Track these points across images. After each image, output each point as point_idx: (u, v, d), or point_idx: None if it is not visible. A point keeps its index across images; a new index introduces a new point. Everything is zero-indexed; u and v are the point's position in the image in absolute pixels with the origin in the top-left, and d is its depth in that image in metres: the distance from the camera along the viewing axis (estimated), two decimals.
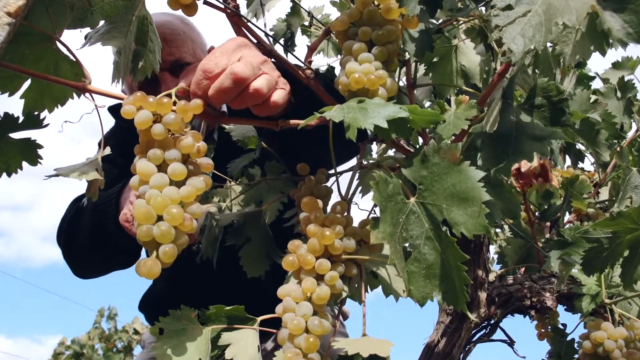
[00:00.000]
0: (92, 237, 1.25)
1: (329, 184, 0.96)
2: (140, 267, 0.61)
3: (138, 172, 0.65)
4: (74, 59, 0.77)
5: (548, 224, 1.30)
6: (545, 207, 1.26)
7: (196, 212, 0.66)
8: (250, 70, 0.72)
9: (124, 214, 1.11)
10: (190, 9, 0.76)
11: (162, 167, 0.66)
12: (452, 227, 0.61)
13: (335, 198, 0.93)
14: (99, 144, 1.41)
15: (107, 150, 0.81)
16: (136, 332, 8.74)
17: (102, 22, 0.80)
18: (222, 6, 0.79)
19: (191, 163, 0.68)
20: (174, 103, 0.69)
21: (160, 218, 0.63)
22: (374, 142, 0.87)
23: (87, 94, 0.74)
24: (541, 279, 1.06)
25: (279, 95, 0.76)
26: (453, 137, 0.80)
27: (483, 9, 0.96)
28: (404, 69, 1.00)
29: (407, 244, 0.65)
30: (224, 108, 1.43)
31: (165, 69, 1.35)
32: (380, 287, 0.84)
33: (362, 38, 0.79)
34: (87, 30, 0.81)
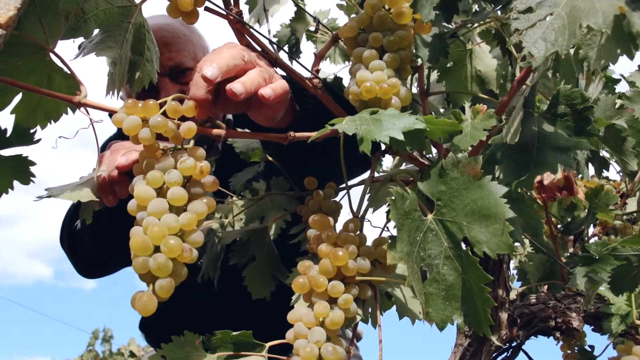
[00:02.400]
0: (92, 228, 1.25)
1: (337, 198, 0.96)
2: (135, 302, 0.60)
3: (136, 196, 0.65)
4: (69, 71, 0.77)
5: (571, 237, 1.30)
6: (569, 219, 1.25)
7: (197, 241, 0.65)
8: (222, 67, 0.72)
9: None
10: (191, 17, 0.76)
11: (162, 190, 0.65)
12: (473, 246, 0.61)
13: (344, 213, 0.93)
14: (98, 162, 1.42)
15: (103, 170, 0.81)
16: (132, 354, 8.70)
17: (96, 31, 0.80)
18: (224, 13, 0.80)
19: (193, 183, 0.67)
20: (161, 106, 0.68)
21: (157, 249, 0.62)
22: (386, 155, 0.87)
23: (82, 108, 0.73)
24: (566, 297, 1.05)
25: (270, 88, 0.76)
26: (469, 149, 0.80)
27: (499, 11, 0.96)
28: (415, 76, 1.00)
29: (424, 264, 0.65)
30: (229, 116, 1.43)
31: (165, 74, 1.35)
32: (393, 308, 0.84)
33: (372, 44, 0.79)
34: (81, 40, 0.82)
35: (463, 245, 0.64)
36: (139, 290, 0.61)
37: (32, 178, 0.79)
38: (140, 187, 0.64)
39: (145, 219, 0.63)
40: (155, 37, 1.34)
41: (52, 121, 0.81)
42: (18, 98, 0.78)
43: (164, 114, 0.68)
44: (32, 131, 0.79)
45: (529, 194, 1.16)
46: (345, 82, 1.40)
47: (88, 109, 0.74)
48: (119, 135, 1.58)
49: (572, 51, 0.95)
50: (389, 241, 0.64)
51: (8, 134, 0.78)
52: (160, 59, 1.33)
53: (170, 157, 0.66)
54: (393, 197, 0.63)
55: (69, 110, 0.81)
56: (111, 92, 0.84)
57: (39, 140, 0.79)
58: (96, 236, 1.27)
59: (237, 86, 0.71)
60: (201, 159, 0.67)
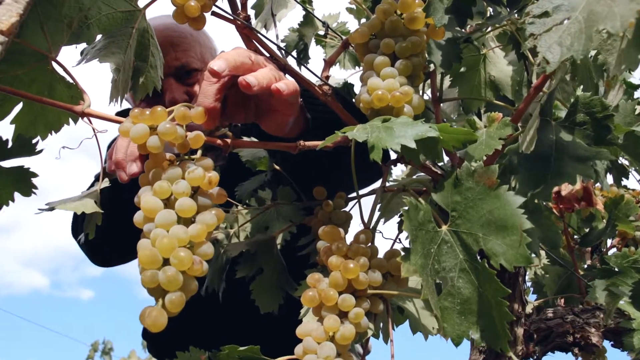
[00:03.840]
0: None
1: (347, 208, 0.96)
2: (145, 318, 0.59)
3: (143, 207, 0.64)
4: (71, 80, 0.77)
5: (589, 249, 1.29)
6: (586, 230, 1.25)
7: (207, 253, 0.64)
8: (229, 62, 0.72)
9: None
10: (198, 22, 0.77)
11: (169, 201, 0.65)
12: (489, 258, 0.61)
13: (354, 224, 0.93)
14: (97, 177, 1.42)
15: (106, 182, 0.80)
16: None
17: (99, 37, 0.80)
18: (232, 18, 0.80)
19: (202, 194, 0.67)
20: (170, 113, 0.68)
21: (166, 262, 0.61)
22: (397, 164, 0.87)
23: (85, 118, 0.73)
24: (584, 311, 1.05)
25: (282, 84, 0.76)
26: (484, 158, 0.80)
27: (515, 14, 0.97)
28: (427, 82, 1.00)
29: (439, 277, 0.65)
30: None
31: (171, 75, 1.35)
32: (405, 322, 0.84)
33: (384, 51, 0.79)
34: (83, 45, 0.82)
35: (479, 258, 0.64)
36: (148, 305, 0.60)
37: (33, 190, 0.78)
38: (147, 198, 0.64)
39: (153, 230, 0.62)
40: (162, 36, 1.36)
41: (53, 132, 0.81)
42: (18, 108, 0.78)
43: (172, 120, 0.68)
44: (34, 142, 0.78)
45: (544, 204, 1.16)
46: (356, 88, 1.40)
47: (92, 118, 0.74)
48: None
49: (590, 56, 0.95)
50: (402, 253, 0.64)
51: (9, 145, 0.77)
52: (166, 58, 1.35)
53: (177, 167, 0.66)
54: (406, 208, 0.63)
55: (70, 120, 0.81)
56: (114, 100, 0.85)
57: (41, 151, 0.78)
58: (108, 225, 1.26)
59: (250, 78, 0.71)
60: (209, 169, 0.67)
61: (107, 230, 1.29)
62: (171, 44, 1.35)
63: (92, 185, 1.40)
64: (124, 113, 1.47)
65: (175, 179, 0.65)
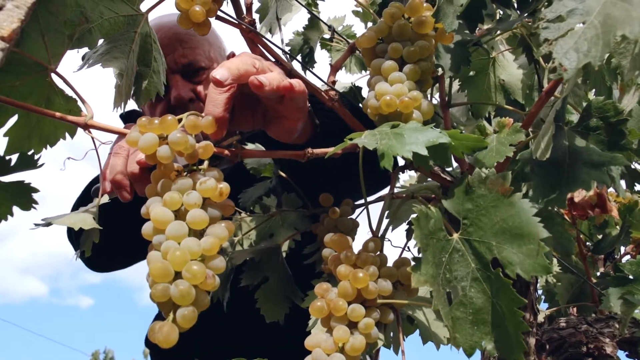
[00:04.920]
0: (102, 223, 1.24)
1: (354, 215, 0.96)
2: (155, 333, 0.59)
3: (153, 219, 0.63)
4: (70, 93, 0.76)
5: (602, 256, 1.29)
6: (599, 237, 1.25)
7: (219, 267, 0.64)
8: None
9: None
10: (203, 28, 0.77)
11: (179, 212, 0.64)
12: (504, 267, 0.61)
13: (362, 232, 0.93)
14: (92, 184, 1.42)
15: (105, 198, 0.80)
16: None
17: (100, 41, 0.81)
18: (237, 22, 0.81)
19: (210, 205, 0.66)
20: (180, 121, 0.67)
21: (178, 275, 0.60)
22: (406, 170, 0.87)
23: (87, 131, 0.72)
24: (598, 321, 1.05)
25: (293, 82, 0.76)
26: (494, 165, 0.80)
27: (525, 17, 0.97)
28: (436, 86, 1.01)
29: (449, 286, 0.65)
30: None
31: (177, 72, 1.36)
32: (416, 332, 0.84)
33: (392, 55, 0.80)
34: (84, 51, 0.82)
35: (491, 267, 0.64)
36: (157, 320, 0.60)
37: (33, 205, 0.78)
38: (157, 209, 0.63)
39: (164, 243, 0.62)
40: (170, 33, 1.37)
41: (48, 146, 0.80)
42: (13, 120, 0.76)
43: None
44: (36, 157, 0.78)
45: (556, 210, 1.16)
46: (364, 92, 1.40)
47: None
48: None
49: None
50: (412, 262, 0.64)
51: (12, 164, 0.76)
52: (173, 55, 1.35)
53: (188, 178, 0.65)
54: (417, 216, 0.64)
55: (66, 134, 0.80)
56: (118, 106, 0.85)
57: (42, 165, 0.78)
58: (106, 233, 1.26)
59: (262, 78, 0.71)
60: (220, 180, 0.67)
61: (106, 240, 1.30)
62: (179, 40, 1.35)
63: (85, 192, 1.40)
64: (129, 113, 1.48)
65: (186, 190, 0.64)
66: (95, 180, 1.42)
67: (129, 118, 1.45)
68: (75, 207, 1.39)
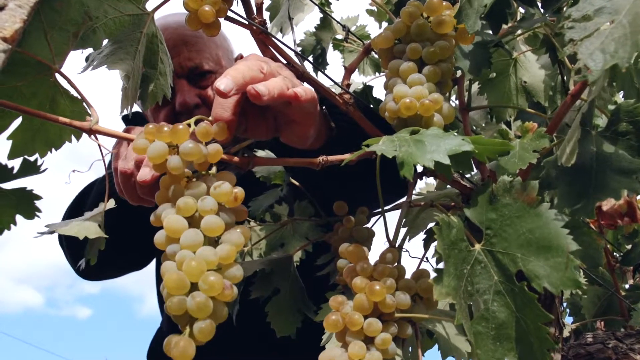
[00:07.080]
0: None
1: (369, 224, 0.96)
2: (171, 348, 0.57)
3: (166, 227, 0.62)
4: (76, 94, 0.76)
5: (631, 268, 1.28)
6: (628, 248, 1.24)
7: (237, 276, 0.63)
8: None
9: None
10: (212, 29, 0.77)
11: (192, 219, 0.64)
12: (530, 280, 0.61)
13: (378, 241, 0.93)
14: (89, 186, 1.43)
15: (111, 203, 0.80)
16: None
17: (105, 42, 0.81)
18: (247, 23, 0.81)
19: (223, 210, 0.65)
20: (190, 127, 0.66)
21: (194, 286, 0.59)
22: (424, 177, 0.87)
23: (93, 136, 0.71)
24: (628, 336, 1.04)
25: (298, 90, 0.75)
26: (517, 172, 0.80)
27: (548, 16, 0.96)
28: (454, 89, 1.01)
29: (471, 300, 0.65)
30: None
31: (183, 76, 1.35)
32: (435, 347, 0.84)
33: (410, 56, 0.79)
34: (88, 51, 0.82)
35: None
36: (173, 334, 0.59)
37: (37, 213, 0.78)
38: (170, 217, 0.62)
39: (179, 252, 0.61)
40: (175, 34, 1.36)
41: (52, 149, 0.80)
42: (17, 122, 0.76)
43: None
44: (39, 163, 0.78)
45: (582, 219, 1.15)
46: (375, 91, 1.40)
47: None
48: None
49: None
50: (431, 273, 0.64)
51: (15, 171, 0.77)
52: (178, 58, 1.35)
53: (201, 183, 0.65)
54: (439, 225, 0.63)
55: (72, 137, 0.80)
56: (125, 109, 0.86)
57: (44, 170, 0.78)
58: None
59: (260, 87, 0.71)
60: (233, 183, 0.66)
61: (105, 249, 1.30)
62: (185, 42, 1.35)
63: (83, 195, 1.40)
64: (133, 116, 1.48)
65: (200, 195, 0.64)
66: (88, 189, 1.42)
67: (130, 120, 1.45)
68: (66, 216, 1.39)
